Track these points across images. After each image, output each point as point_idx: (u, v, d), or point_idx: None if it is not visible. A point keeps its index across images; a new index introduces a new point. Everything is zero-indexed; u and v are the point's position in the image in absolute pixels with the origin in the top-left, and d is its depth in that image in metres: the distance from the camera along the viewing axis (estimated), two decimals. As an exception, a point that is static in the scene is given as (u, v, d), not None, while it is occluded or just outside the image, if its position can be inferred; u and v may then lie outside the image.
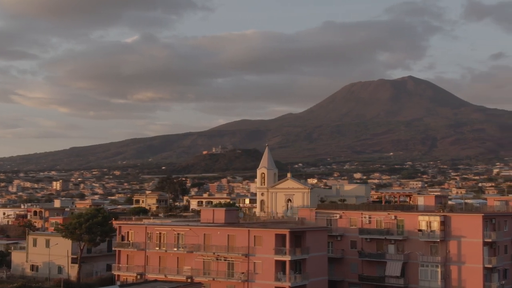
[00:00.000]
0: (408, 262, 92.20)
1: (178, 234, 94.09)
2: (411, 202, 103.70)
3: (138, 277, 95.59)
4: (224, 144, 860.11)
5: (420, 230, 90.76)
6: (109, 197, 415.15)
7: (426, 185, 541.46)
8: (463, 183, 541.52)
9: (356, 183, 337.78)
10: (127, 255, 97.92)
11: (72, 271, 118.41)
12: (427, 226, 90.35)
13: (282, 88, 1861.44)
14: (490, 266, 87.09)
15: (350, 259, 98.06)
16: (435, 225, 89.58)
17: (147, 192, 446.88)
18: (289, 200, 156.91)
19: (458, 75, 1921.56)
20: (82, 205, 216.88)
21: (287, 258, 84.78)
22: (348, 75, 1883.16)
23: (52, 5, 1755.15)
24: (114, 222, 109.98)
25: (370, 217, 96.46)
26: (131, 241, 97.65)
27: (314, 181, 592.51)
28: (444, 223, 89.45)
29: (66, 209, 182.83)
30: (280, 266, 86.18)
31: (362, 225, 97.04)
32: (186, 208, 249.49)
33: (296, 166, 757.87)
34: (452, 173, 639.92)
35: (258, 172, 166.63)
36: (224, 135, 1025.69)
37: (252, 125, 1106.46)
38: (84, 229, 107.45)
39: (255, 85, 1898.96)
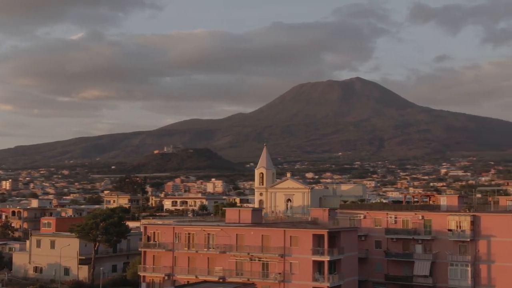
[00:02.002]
0: (436, 261, 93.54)
1: (209, 234, 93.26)
2: (430, 202, 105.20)
3: (166, 278, 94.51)
4: (174, 144, 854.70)
5: (450, 230, 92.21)
6: (65, 197, 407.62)
7: (379, 184, 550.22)
8: (415, 182, 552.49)
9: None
10: (153, 255, 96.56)
11: (81, 273, 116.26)
12: (456, 225, 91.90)
13: (231, 87, 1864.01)
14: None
15: (375, 259, 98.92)
16: (465, 224, 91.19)
17: (106, 192, 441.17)
18: (288, 200, 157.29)
19: (403, 77, 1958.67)
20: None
21: (325, 258, 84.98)
22: (297, 75, 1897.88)
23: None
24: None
25: (396, 217, 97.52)
26: (157, 242, 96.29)
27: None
28: (474, 222, 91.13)
29: (57, 210, 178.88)
30: (316, 266, 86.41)
31: (388, 225, 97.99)
32: (160, 208, 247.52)
33: (248, 166, 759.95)
34: (401, 173, 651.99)
35: (257, 172, 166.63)
36: (174, 135, 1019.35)
37: (202, 125, 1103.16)
38: (101, 230, 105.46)
39: (204, 85, 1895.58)
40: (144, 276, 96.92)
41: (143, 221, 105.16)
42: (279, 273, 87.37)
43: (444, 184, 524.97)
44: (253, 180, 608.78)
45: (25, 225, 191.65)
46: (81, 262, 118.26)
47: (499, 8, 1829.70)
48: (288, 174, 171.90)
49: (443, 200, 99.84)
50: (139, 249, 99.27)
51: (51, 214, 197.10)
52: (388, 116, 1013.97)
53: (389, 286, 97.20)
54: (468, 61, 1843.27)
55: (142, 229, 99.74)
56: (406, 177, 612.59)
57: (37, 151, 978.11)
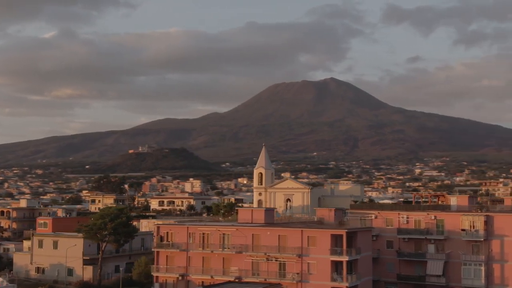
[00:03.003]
0: (448, 261, 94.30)
1: (224, 234, 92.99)
2: (439, 202, 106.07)
3: (180, 278, 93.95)
4: (149, 143, 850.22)
5: (463, 230, 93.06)
6: (42, 197, 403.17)
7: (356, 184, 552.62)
8: (391, 182, 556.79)
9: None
10: (167, 256, 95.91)
11: (86, 273, 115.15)
12: (470, 225, 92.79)
13: (206, 87, 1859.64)
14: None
15: (386, 259, 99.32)
16: (479, 224, 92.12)
17: (85, 191, 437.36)
18: (288, 199, 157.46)
19: (377, 77, 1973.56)
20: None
21: (344, 258, 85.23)
22: (271, 75, 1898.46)
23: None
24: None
25: (408, 217, 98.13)
26: (171, 242, 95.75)
27: (245, 181, 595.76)
28: (487, 222, 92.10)
29: (53, 209, 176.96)
30: (334, 266, 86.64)
31: (400, 225, 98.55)
32: (146, 208, 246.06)
33: (224, 165, 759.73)
34: (375, 173, 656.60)
35: (255, 171, 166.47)
36: (148, 134, 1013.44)
37: (177, 124, 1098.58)
38: (110, 230, 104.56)
39: (178, 84, 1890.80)
40: (157, 277, 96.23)
41: (151, 222, 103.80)
42: (297, 273, 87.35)
43: (420, 184, 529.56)
44: (230, 180, 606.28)
45: (14, 225, 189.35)
46: (85, 262, 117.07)
47: (471, 10, 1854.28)
48: (288, 174, 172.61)
49: (453, 200, 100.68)
50: (152, 249, 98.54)
51: (40, 214, 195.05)
52: (362, 117, 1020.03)
53: (401, 285, 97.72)
54: (440, 62, 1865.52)
55: (154, 229, 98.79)
56: (382, 177, 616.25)
57: (10, 150, 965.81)
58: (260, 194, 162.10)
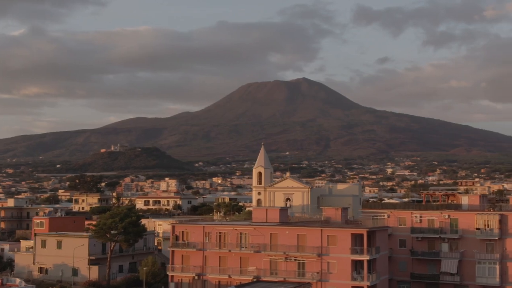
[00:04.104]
0: (462, 259, 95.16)
1: (241, 233, 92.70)
2: (449, 201, 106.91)
3: (196, 277, 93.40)
4: (121, 142, 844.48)
5: (478, 229, 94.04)
6: (15, 197, 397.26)
7: (330, 184, 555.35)
8: (365, 182, 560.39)
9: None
10: (182, 255, 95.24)
11: (92, 273, 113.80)
12: (484, 224, 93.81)
13: (176, 86, 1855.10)
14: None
15: (399, 258, 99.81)
16: (493, 223, 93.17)
17: (61, 191, 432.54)
18: (288, 199, 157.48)
19: (347, 78, 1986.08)
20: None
21: (365, 257, 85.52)
22: (243, 75, 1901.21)
23: None
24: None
25: (421, 216, 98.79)
26: (187, 241, 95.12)
27: (220, 180, 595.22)
28: (501, 221, 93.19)
29: (49, 209, 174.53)
30: (354, 265, 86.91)
31: (413, 224, 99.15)
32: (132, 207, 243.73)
33: (197, 165, 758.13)
34: (348, 172, 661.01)
35: (254, 171, 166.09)
36: (119, 133, 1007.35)
37: (148, 123, 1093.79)
38: (120, 229, 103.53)
39: (148, 83, 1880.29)
40: (172, 276, 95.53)
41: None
42: (317, 273, 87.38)
43: (394, 183, 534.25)
44: (205, 179, 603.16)
45: (2, 225, 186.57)
46: (89, 262, 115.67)
47: (440, 11, 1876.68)
48: (288, 173, 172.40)
49: (464, 200, 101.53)
50: (167, 249, 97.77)
51: (28, 214, 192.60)
52: (334, 117, 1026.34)
53: (414, 284, 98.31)
54: (409, 63, 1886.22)
55: (170, 229, 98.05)
56: (355, 176, 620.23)
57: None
58: (259, 193, 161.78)
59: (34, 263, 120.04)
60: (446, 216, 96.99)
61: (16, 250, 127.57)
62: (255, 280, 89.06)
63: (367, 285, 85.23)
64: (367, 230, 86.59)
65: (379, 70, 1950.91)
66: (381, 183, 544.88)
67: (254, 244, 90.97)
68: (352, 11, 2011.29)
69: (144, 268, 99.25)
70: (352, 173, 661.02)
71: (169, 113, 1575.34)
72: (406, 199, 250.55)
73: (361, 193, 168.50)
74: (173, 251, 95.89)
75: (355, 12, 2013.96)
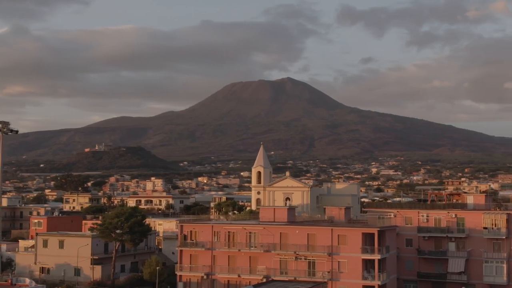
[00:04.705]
0: (469, 259, 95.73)
1: (250, 233, 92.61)
2: (454, 200, 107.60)
3: (205, 277, 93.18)
4: (105, 142, 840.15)
5: (485, 228, 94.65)
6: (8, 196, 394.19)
7: (317, 183, 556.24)
8: (350, 181, 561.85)
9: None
10: (190, 254, 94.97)
11: (95, 273, 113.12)
12: (492, 223, 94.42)
13: (160, 85, 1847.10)
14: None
15: (405, 257, 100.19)
16: (500, 222, 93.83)
17: (47, 190, 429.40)
18: (287, 198, 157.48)
19: (331, 78, 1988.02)
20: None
21: (376, 257, 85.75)
22: (228, 74, 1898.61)
23: None
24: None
25: (428, 216, 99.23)
26: (195, 241, 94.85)
27: (205, 180, 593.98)
28: (508, 220, 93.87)
29: (48, 208, 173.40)
30: (364, 265, 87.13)
31: (419, 224, 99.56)
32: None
33: (181, 164, 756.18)
34: (333, 172, 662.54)
35: (254, 170, 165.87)
36: (103, 132, 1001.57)
37: (132, 123, 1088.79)
38: (126, 229, 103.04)
39: (132, 82, 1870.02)
40: (180, 276, 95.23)
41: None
42: (327, 272, 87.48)
43: (379, 183, 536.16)
44: (190, 179, 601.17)
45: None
46: (92, 262, 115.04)
47: (423, 12, 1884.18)
48: (287, 173, 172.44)
49: (469, 199, 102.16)
50: (176, 248, 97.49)
51: (21, 214, 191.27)
52: (318, 116, 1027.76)
53: (421, 283, 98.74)
54: (392, 63, 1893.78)
55: (178, 228, 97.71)
56: (340, 176, 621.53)
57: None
58: (258, 193, 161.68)
59: (35, 263, 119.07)
60: (453, 216, 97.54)
61: (17, 250, 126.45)
62: (264, 279, 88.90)
63: (378, 285, 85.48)
64: (378, 229, 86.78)
65: (363, 70, 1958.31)
66: (366, 183, 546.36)
67: (264, 243, 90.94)
68: (336, 11, 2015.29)
69: (158, 268, 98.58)
70: (337, 172, 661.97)
71: (153, 112, 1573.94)
72: (397, 199, 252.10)
73: (359, 192, 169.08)
74: (181, 251, 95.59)
75: (339, 12, 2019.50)
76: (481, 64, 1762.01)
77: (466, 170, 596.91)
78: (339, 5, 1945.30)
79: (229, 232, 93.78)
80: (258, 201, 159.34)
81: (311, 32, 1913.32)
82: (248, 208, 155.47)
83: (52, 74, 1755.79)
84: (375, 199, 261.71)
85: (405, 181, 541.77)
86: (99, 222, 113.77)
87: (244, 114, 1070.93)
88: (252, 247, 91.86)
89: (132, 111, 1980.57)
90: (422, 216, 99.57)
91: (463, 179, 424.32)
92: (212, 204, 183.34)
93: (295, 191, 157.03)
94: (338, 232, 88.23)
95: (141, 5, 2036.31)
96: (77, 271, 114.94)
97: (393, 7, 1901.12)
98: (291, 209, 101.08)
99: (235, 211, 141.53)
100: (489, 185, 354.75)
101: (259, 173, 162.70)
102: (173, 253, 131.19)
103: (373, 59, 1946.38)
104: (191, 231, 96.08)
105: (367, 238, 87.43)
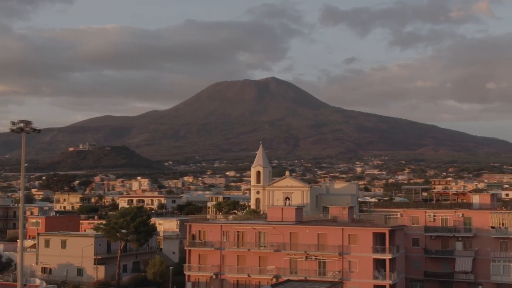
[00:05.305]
0: (477, 258, 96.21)
1: (260, 232, 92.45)
2: (459, 200, 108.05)
3: (214, 277, 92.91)
4: (89, 141, 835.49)
5: (493, 227, 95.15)
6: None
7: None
8: (336, 181, 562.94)
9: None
10: (199, 254, 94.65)
11: (99, 273, 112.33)
12: (499, 223, 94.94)
13: (144, 84, 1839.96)
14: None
15: (412, 256, 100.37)
16: (508, 222, 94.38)
17: (34, 189, 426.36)
18: (287, 198, 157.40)
19: (315, 77, 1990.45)
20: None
21: (387, 256, 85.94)
22: (212, 74, 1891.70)
23: None
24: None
25: (434, 215, 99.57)
26: (204, 240, 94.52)
27: (191, 179, 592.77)
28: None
29: (44, 208, 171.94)
30: (375, 264, 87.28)
31: (426, 223, 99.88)
32: (115, 207, 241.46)
33: (166, 164, 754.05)
34: (318, 171, 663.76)
35: (253, 170, 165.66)
36: (87, 131, 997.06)
37: (116, 122, 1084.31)
38: (132, 228, 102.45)
39: (115, 81, 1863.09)
40: (189, 275, 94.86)
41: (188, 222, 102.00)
42: (338, 271, 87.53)
43: (365, 182, 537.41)
44: (176, 178, 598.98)
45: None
46: (95, 262, 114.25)
47: (406, 12, 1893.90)
48: (287, 173, 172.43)
49: (475, 199, 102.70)
50: (184, 248, 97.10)
51: (14, 213, 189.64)
52: (303, 116, 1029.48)
53: (428, 282, 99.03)
54: (376, 63, 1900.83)
55: (187, 228, 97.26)
56: (326, 175, 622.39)
57: None
58: (258, 192, 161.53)
59: (37, 263, 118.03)
60: (460, 215, 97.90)
61: (17, 250, 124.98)
62: (274, 279, 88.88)
63: (389, 284, 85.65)
64: (389, 229, 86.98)
65: (346, 70, 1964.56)
66: (352, 182, 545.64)
67: (274, 243, 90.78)
68: (320, 11, 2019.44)
69: (171, 268, 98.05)
70: (322, 172, 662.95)
71: (137, 111, 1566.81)
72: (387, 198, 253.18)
73: (358, 192, 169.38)
74: (189, 250, 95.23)
75: (322, 12, 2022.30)
76: (464, 64, 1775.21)
77: (450, 169, 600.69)
78: (322, 5, 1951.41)
79: (238, 232, 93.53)
80: (257, 200, 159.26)
81: (295, 32, 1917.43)
82: (248, 208, 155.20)
83: (36, 73, 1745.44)
84: (366, 199, 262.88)
85: (390, 180, 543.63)
86: (103, 221, 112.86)
87: (229, 114, 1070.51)
88: (262, 246, 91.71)
89: (116, 110, 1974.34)
90: (429, 215, 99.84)
91: (449, 178, 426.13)
92: (209, 204, 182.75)
93: (295, 191, 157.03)
94: (349, 232, 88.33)
95: (125, 4, 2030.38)
96: (80, 271, 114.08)
97: (377, 7, 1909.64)
98: (299, 209, 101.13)
99: (235, 211, 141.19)
100: (476, 184, 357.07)
101: (258, 172, 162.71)
102: (173, 252, 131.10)
103: (357, 59, 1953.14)
104: (199, 231, 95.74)
105: (377, 238, 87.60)
